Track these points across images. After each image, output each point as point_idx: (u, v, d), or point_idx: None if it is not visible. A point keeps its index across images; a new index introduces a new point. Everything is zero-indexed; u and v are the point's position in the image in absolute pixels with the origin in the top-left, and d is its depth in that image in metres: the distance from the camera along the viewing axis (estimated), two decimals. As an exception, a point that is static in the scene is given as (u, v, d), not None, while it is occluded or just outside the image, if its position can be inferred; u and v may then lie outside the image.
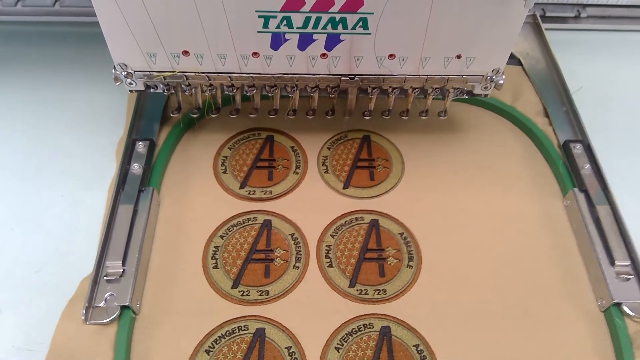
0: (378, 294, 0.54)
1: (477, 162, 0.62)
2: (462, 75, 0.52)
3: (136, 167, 0.59)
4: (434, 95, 0.55)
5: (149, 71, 0.51)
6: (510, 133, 0.66)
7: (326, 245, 0.54)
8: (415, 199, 0.58)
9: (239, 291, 0.54)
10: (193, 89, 0.54)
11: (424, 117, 0.60)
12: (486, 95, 0.57)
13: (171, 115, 0.59)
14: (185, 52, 0.49)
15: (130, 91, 0.53)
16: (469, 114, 0.70)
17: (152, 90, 0.54)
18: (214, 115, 0.58)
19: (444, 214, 0.57)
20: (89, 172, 0.63)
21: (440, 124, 0.68)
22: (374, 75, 0.52)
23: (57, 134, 0.64)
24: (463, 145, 0.63)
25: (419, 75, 0.51)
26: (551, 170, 0.65)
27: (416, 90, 0.55)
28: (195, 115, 0.59)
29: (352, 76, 0.52)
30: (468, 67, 0.50)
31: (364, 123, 0.65)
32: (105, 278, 0.51)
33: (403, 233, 0.55)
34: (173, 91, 0.54)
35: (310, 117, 0.58)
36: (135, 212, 0.53)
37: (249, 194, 0.57)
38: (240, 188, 0.58)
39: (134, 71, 0.51)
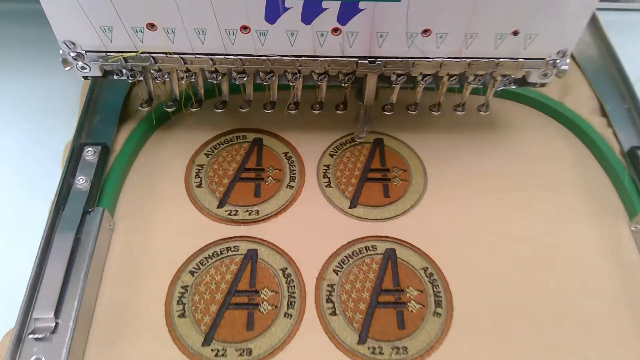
0: (397, 353, 0.41)
1: (518, 174, 0.52)
2: (518, 59, 0.39)
3: (82, 181, 0.45)
4: (475, 85, 0.42)
5: (104, 51, 0.41)
6: (559, 136, 0.53)
7: (328, 285, 0.42)
8: (441, 221, 0.48)
9: (213, 350, 0.41)
10: (166, 76, 0.44)
11: (459, 112, 0.47)
12: (543, 84, 0.43)
13: (140, 108, 0.47)
14: (151, 26, 0.38)
15: (85, 78, 0.40)
16: (506, 111, 0.56)
17: (115, 77, 0.44)
18: (194, 110, 0.47)
19: (479, 242, 0.47)
20: (33, 182, 0.50)
21: (471, 125, 0.55)
22: (402, 58, 0.40)
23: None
24: (500, 152, 0.52)
25: (461, 59, 0.38)
26: (612, 184, 0.51)
27: (454, 78, 0.41)
28: (170, 110, 0.45)
29: (373, 59, 0.41)
30: (526, 47, 0.38)
31: (376, 123, 0.51)
32: (31, 336, 0.38)
33: (427, 268, 0.42)
34: (141, 78, 0.44)
35: (317, 111, 0.48)
36: (77, 242, 0.41)
37: (229, 214, 0.45)
38: (218, 207, 0.47)
39: (85, 51, 0.41)
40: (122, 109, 0.52)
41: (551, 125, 0.56)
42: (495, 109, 0.56)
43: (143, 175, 0.50)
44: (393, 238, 0.47)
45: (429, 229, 0.47)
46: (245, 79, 0.44)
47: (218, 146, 0.53)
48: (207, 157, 0.52)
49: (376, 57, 0.41)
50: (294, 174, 0.51)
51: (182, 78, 0.44)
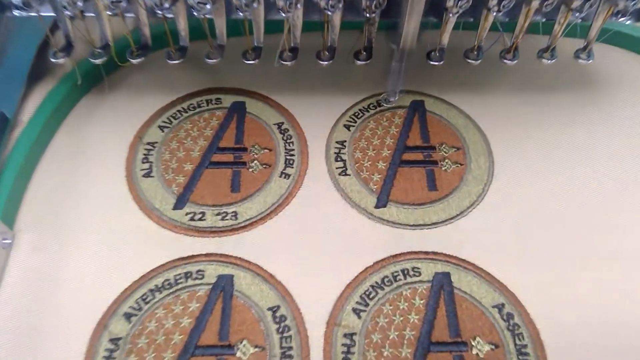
0: None
1: (628, 150, 0.35)
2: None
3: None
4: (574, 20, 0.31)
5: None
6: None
7: (345, 334, 0.25)
8: (518, 228, 0.33)
9: None
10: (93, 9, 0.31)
11: (547, 60, 0.31)
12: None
13: (52, 60, 0.33)
14: None
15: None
16: (608, 61, 0.38)
17: (16, 12, 0.31)
18: (135, 61, 0.33)
19: (573, 261, 0.31)
20: None
21: (556, 82, 0.37)
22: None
23: None
24: (603, 121, 0.37)
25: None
26: None
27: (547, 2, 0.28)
28: (99, 61, 0.32)
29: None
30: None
31: (414, 79, 0.37)
32: None
33: (503, 306, 0.25)
34: (54, 14, 0.31)
35: (325, 62, 0.34)
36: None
37: (192, 219, 0.31)
38: (176, 207, 0.33)
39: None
40: (34, 66, 0.35)
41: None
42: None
43: (62, 162, 0.34)
44: (445, 256, 0.30)
45: (499, 240, 0.32)
46: (208, 6, 0.27)
47: (178, 115, 0.36)
48: (162, 131, 0.35)
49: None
50: (292, 155, 0.34)
51: (114, 13, 0.27)
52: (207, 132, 0.35)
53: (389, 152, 0.35)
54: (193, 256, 0.31)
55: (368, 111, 0.37)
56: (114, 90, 0.37)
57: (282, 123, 0.36)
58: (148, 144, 0.35)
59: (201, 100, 0.37)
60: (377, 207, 0.33)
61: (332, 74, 0.38)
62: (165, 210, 0.32)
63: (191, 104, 0.37)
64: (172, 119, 0.36)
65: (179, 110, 0.36)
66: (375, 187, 0.33)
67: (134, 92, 0.37)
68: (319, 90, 0.38)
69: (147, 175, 0.34)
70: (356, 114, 0.37)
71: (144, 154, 0.34)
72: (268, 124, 0.36)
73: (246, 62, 0.32)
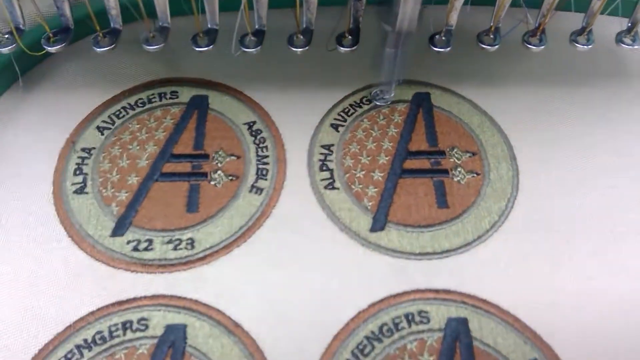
0: None
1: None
2: None
3: None
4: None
5: None
6: None
7: None
8: (553, 257, 0.26)
9: None
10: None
11: (582, 46, 0.24)
12: None
13: None
14: None
15: None
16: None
17: None
18: (54, 49, 0.25)
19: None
20: None
21: (589, 69, 0.31)
22: None
23: None
24: None
25: None
26: None
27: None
28: (6, 50, 0.26)
29: None
30: None
31: (415, 68, 0.31)
32: None
33: None
34: None
35: (300, 48, 0.27)
36: None
37: (134, 248, 0.25)
38: (115, 234, 0.26)
39: None
40: None
41: None
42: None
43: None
44: (460, 295, 0.23)
45: (530, 273, 0.25)
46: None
47: (123, 113, 0.29)
48: (101, 134, 0.28)
49: None
50: (265, 164, 0.27)
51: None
52: (158, 134, 0.28)
53: (387, 158, 0.28)
54: (134, 299, 0.24)
55: (361, 107, 0.30)
56: (42, 85, 0.29)
57: (254, 122, 0.29)
58: (83, 150, 0.27)
59: (152, 95, 0.29)
60: (373, 230, 0.26)
61: (317, 60, 0.31)
62: (100, 237, 0.25)
63: (140, 99, 0.29)
64: (114, 118, 0.29)
65: (123, 107, 0.29)
66: (370, 204, 0.26)
67: (66, 85, 0.29)
68: (300, 81, 0.30)
69: (80, 191, 0.26)
70: (346, 110, 0.29)
71: (77, 164, 0.27)
72: (236, 124, 0.29)
73: (197, 49, 0.25)
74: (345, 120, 0.29)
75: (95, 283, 0.24)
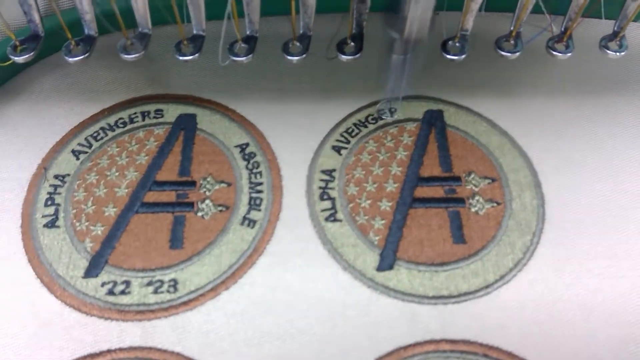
0: None
1: None
2: None
3: None
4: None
5: None
6: None
7: None
8: (588, 302, 0.23)
9: None
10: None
11: (614, 53, 0.22)
12: None
13: None
14: None
15: None
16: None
17: None
18: (21, 58, 0.23)
19: None
20: None
21: (623, 79, 0.28)
22: None
23: None
24: None
25: None
26: None
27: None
28: None
29: None
30: None
31: (426, 81, 0.27)
32: None
33: None
34: None
35: (296, 57, 0.23)
36: None
37: (110, 292, 0.22)
38: (87, 274, 0.23)
39: None
40: None
41: None
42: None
43: None
44: (481, 347, 0.20)
45: (561, 321, 0.23)
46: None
47: (101, 134, 0.26)
48: (76, 158, 0.25)
49: None
50: (259, 192, 0.24)
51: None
52: (140, 159, 0.25)
53: (395, 185, 0.25)
54: (108, 351, 0.21)
55: (366, 126, 0.27)
56: (12, 104, 0.26)
57: (247, 145, 0.26)
58: (55, 177, 0.25)
59: (134, 113, 0.27)
60: (380, 268, 0.23)
61: (316, 72, 0.28)
62: (72, 278, 0.22)
63: (120, 119, 0.26)
64: (91, 141, 0.26)
65: (102, 128, 0.26)
66: (377, 238, 0.23)
67: (40, 103, 0.26)
68: (298, 96, 0.27)
69: (51, 224, 0.23)
70: (350, 130, 0.26)
71: (49, 193, 0.24)
72: (227, 146, 0.26)
73: (180, 57, 0.22)
74: (348, 142, 0.26)
75: (65, 332, 0.21)
